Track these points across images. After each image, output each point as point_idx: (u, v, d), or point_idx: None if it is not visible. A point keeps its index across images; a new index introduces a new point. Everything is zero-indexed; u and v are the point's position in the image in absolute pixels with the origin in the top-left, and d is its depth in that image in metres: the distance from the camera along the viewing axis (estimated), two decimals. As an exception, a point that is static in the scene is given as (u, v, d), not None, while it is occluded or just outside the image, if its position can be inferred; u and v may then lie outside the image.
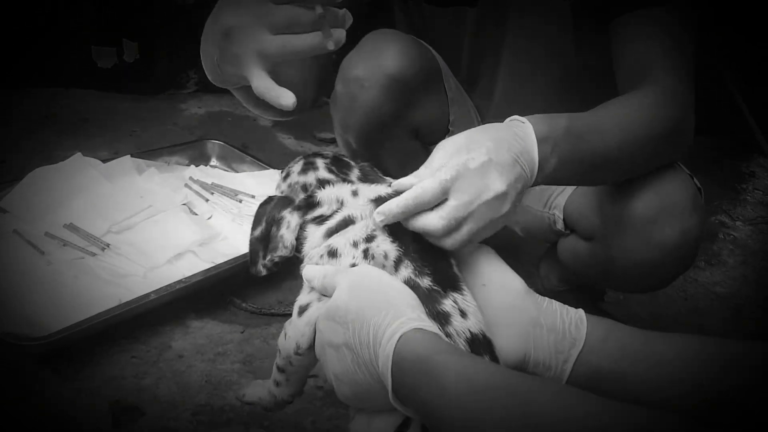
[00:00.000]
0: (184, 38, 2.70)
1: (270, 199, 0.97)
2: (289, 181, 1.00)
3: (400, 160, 1.33)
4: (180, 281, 1.48)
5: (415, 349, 0.73)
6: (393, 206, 0.86)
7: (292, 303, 1.57)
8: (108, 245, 1.63)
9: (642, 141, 1.07)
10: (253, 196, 1.87)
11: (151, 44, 2.71)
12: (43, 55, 2.58)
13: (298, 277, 1.82)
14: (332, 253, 0.89)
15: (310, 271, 0.88)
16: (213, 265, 1.57)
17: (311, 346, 0.88)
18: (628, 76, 1.15)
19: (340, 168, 0.98)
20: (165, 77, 2.76)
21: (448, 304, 0.83)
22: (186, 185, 1.90)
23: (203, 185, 1.90)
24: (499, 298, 0.87)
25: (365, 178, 0.96)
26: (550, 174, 0.97)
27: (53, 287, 1.49)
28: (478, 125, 1.47)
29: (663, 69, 1.12)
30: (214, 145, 2.10)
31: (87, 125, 2.41)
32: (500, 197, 0.88)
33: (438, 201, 0.87)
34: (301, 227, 0.93)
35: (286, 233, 0.93)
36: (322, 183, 0.95)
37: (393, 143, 1.33)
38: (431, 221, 0.86)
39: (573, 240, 1.36)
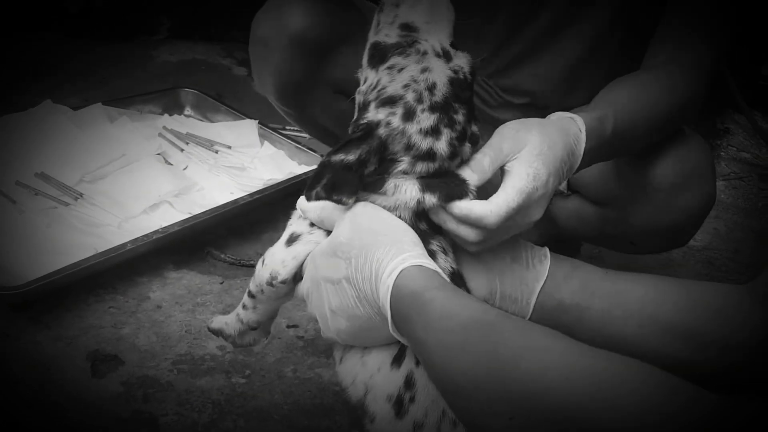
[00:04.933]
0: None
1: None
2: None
3: (332, 116, 1.33)
4: (157, 231, 1.46)
5: (410, 284, 0.75)
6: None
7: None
8: (81, 195, 1.59)
9: (664, 120, 1.09)
10: (229, 147, 1.84)
11: (122, -12, 2.62)
12: (9, -2, 2.49)
13: (278, 230, 1.80)
14: None
15: (304, 202, 0.85)
16: (190, 215, 1.55)
17: (288, 281, 0.88)
18: (667, 33, 1.14)
19: None
20: (136, 23, 2.68)
21: (434, 244, 0.85)
22: (160, 135, 1.86)
23: (178, 135, 1.86)
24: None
25: None
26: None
27: (26, 237, 1.47)
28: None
29: (702, 36, 1.11)
30: (188, 94, 2.05)
31: (56, 71, 2.34)
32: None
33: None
34: None
35: None
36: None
37: (318, 100, 1.32)
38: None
39: (577, 202, 1.32)
